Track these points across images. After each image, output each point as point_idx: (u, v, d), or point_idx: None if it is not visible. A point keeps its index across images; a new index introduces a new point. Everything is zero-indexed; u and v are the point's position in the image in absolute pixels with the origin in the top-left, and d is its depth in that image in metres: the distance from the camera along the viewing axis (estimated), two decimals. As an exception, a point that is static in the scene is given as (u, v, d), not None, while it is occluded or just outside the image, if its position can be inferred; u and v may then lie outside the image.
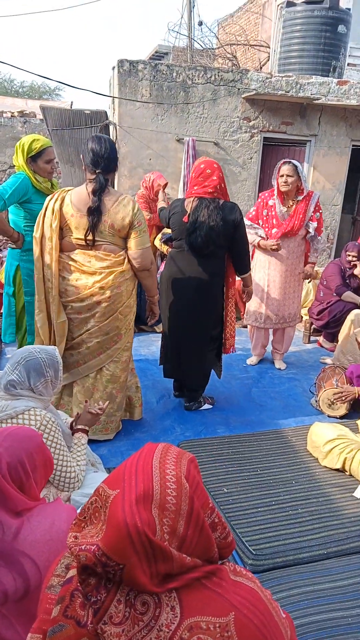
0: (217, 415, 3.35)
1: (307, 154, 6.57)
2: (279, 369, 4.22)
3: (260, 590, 0.94)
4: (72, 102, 10.04)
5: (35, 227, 2.64)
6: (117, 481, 0.92)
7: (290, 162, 3.67)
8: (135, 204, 2.58)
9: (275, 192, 3.79)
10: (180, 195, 6.01)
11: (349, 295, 4.51)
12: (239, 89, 6.03)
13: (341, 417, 3.37)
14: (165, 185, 4.92)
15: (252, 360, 4.29)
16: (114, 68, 5.87)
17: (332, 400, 3.39)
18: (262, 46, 10.13)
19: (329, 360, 4.34)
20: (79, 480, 1.89)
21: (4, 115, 6.96)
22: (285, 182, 3.66)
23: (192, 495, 0.91)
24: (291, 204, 3.79)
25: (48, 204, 2.60)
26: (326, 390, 3.43)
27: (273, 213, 3.78)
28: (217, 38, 12.45)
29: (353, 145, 6.65)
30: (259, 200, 3.91)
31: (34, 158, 2.94)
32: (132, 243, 2.60)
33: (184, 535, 0.88)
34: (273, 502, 2.43)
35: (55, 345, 2.64)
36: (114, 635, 0.84)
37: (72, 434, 2.09)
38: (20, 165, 2.96)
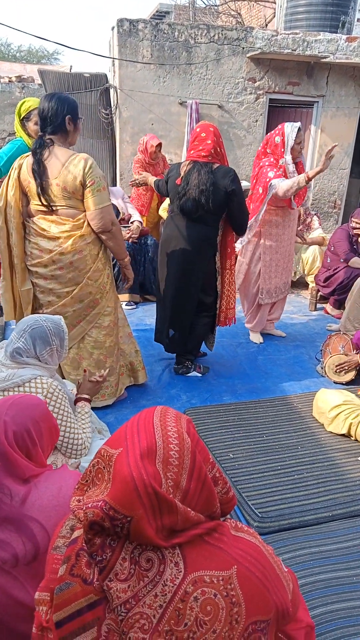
0: (222, 383, 3.36)
1: (314, 116, 6.38)
2: (282, 336, 4.19)
3: (261, 545, 0.97)
4: (71, 66, 9.74)
5: None
6: (119, 441, 0.94)
7: (299, 127, 3.46)
8: (88, 161, 2.41)
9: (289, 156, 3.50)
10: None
11: (356, 261, 4.44)
12: (243, 48, 5.81)
13: (347, 383, 3.38)
14: (159, 145, 4.92)
15: (259, 338, 4.12)
16: (113, 28, 5.66)
17: (336, 364, 3.39)
18: (268, 1, 9.71)
19: (335, 327, 4.32)
20: (86, 447, 1.92)
21: (1, 80, 6.76)
22: (300, 150, 3.51)
23: (194, 449, 0.94)
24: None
25: (10, 172, 2.53)
26: (332, 357, 3.42)
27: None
28: (221, -6, 11.93)
29: (362, 106, 6.44)
30: (274, 167, 3.52)
31: (24, 120, 2.90)
32: (87, 203, 2.48)
33: (187, 489, 0.91)
34: (279, 467, 2.46)
35: (19, 313, 2.66)
36: (120, 591, 0.87)
37: (75, 403, 2.11)
38: (18, 130, 2.92)
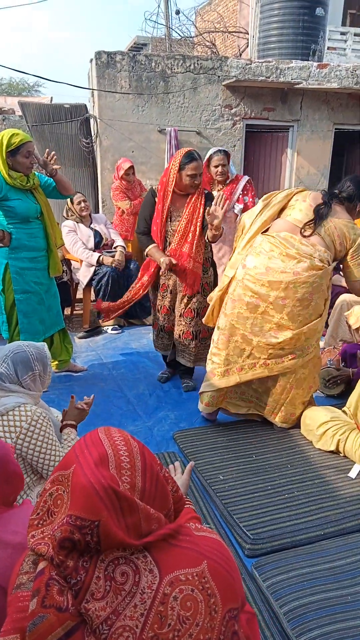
0: (210, 404, 3.35)
1: (290, 140, 6.56)
2: None
3: (222, 540, 1.05)
4: (51, 97, 9.92)
5: None
6: (70, 461, 0.96)
7: (221, 151, 3.75)
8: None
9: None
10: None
11: (337, 279, 4.51)
12: (219, 77, 5.99)
13: (338, 396, 3.39)
14: (132, 167, 5.05)
15: None
16: (91, 60, 5.81)
17: (327, 379, 3.42)
18: (241, 32, 10.07)
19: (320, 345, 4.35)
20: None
21: (-17, 113, 6.85)
22: (221, 172, 3.74)
23: (143, 451, 0.99)
24: (220, 187, 3.87)
25: None
26: (321, 370, 3.44)
27: None
28: (195, 26, 12.35)
29: (336, 129, 6.65)
30: None
31: (13, 152, 2.91)
32: None
33: (143, 488, 0.95)
34: (269, 487, 2.44)
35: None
36: (99, 609, 0.86)
37: (61, 430, 2.08)
38: None
